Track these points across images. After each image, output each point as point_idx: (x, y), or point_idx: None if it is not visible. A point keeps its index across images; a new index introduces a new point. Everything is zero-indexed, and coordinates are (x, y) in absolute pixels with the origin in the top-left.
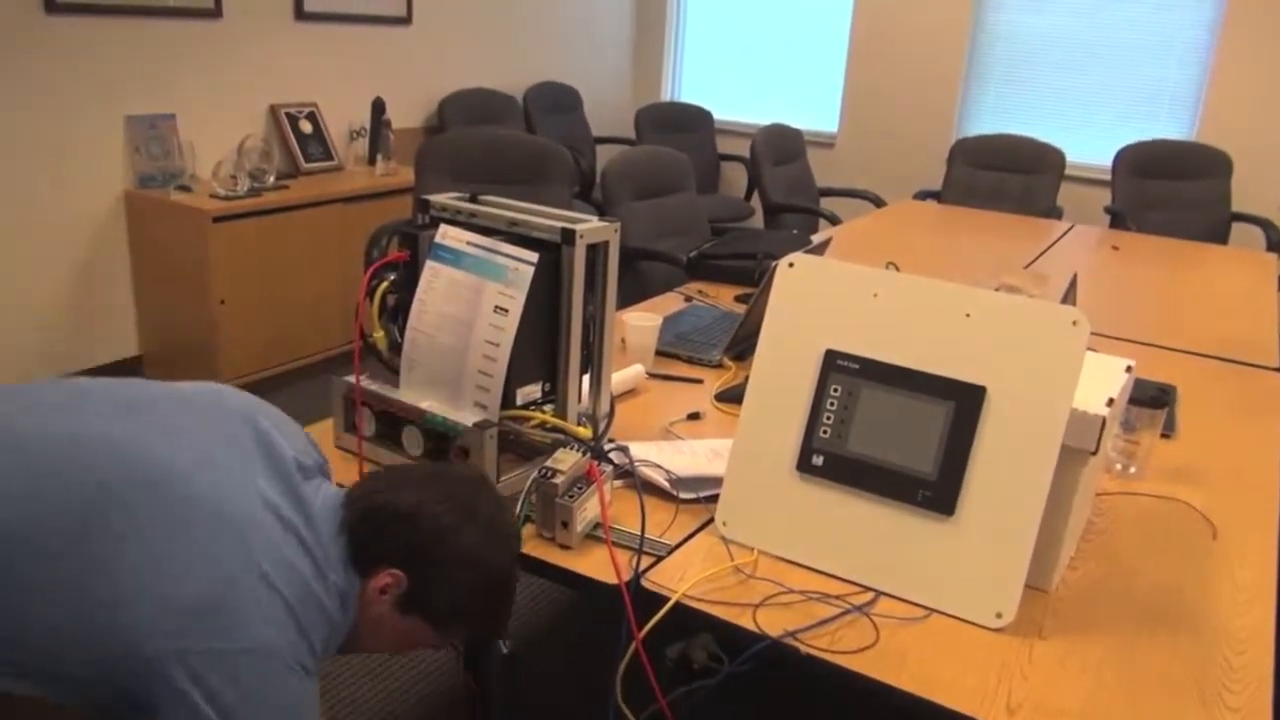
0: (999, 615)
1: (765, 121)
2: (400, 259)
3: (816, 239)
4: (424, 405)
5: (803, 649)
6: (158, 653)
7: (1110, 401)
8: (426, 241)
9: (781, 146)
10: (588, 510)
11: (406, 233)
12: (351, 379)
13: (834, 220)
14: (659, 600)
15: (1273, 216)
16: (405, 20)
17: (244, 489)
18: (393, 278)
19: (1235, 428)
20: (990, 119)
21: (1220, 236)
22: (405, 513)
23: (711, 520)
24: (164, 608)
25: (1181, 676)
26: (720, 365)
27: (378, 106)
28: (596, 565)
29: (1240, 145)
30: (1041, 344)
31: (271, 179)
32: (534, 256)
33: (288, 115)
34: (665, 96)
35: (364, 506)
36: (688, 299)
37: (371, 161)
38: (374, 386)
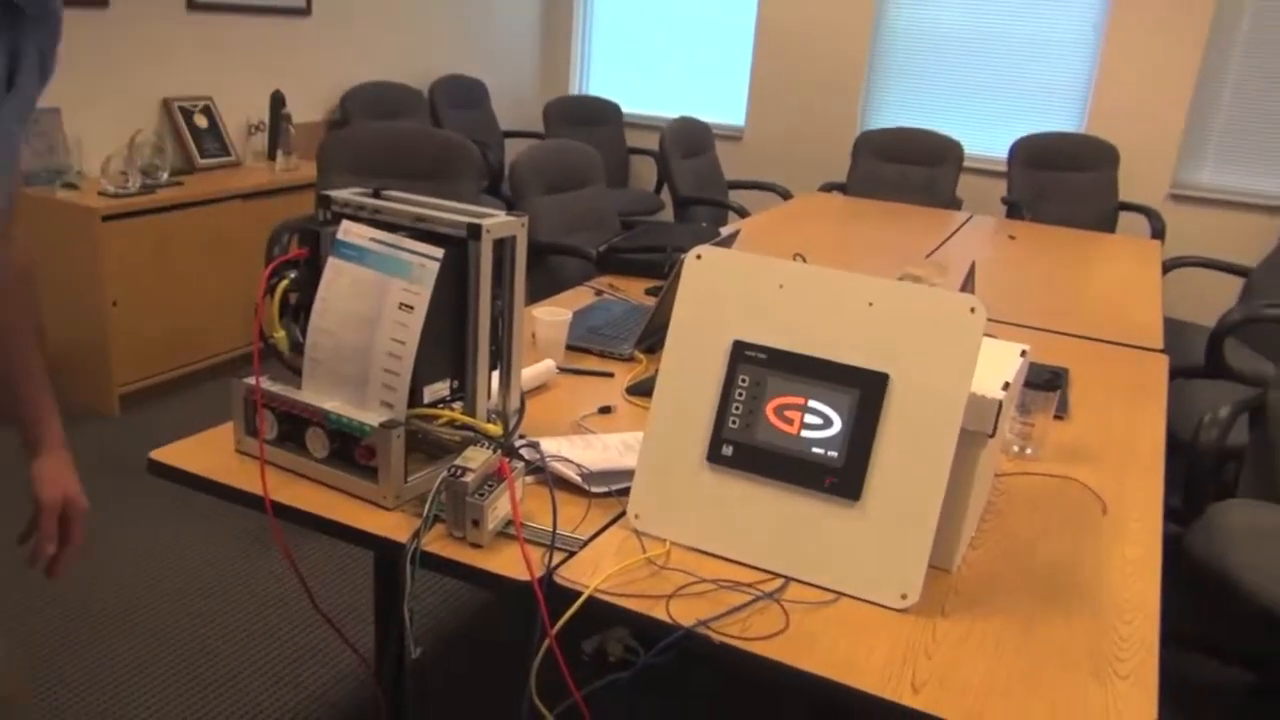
0: (904, 596)
1: (674, 115)
2: (301, 256)
3: (725, 231)
4: (328, 406)
5: (715, 637)
6: None
7: (1006, 385)
8: (328, 238)
9: (690, 140)
10: (499, 508)
11: (307, 229)
12: (252, 381)
13: (743, 213)
14: (572, 596)
15: (1156, 205)
16: (304, 11)
17: None
18: (293, 275)
19: (1123, 408)
20: (893, 112)
21: (1109, 225)
22: None
23: (624, 514)
24: None
25: (1076, 647)
26: (631, 358)
27: (277, 100)
28: (508, 563)
29: (1126, 137)
30: (941, 331)
31: (165, 175)
32: (439, 252)
33: (181, 109)
34: (573, 90)
35: None
36: (598, 293)
37: (271, 157)
38: (275, 388)
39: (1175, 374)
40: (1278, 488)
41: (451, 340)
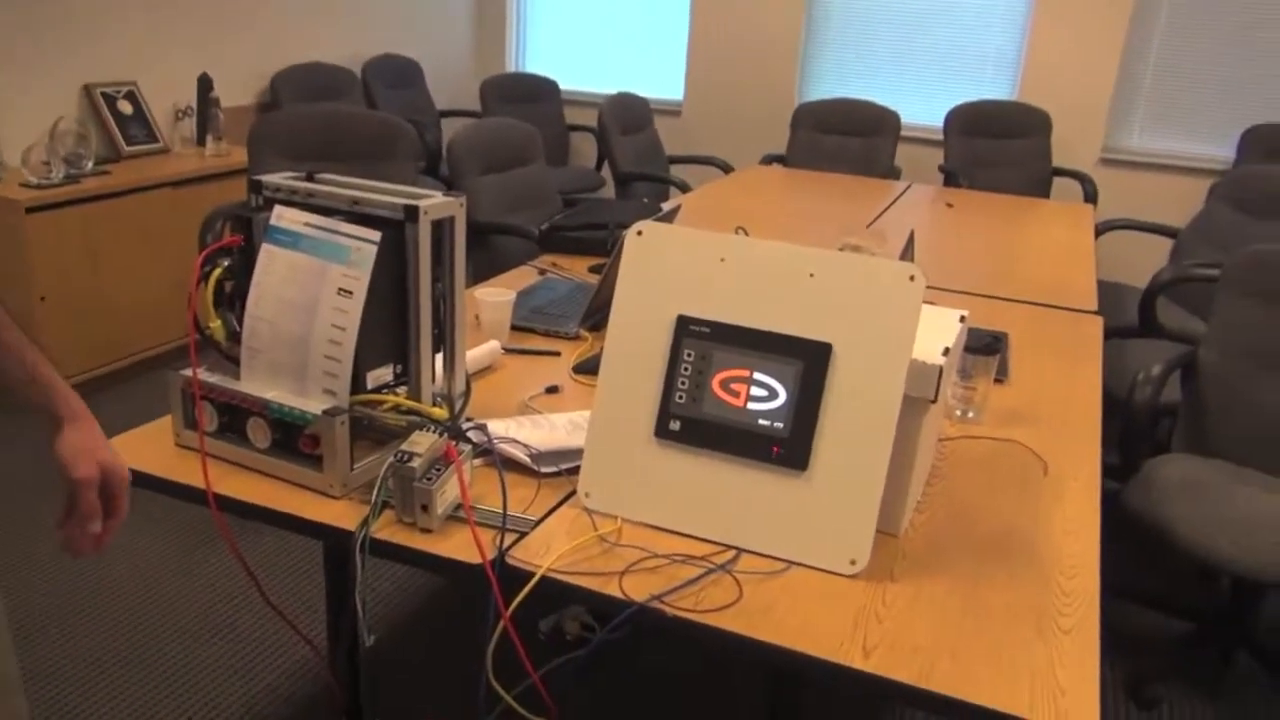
0: (853, 562)
1: (612, 91)
2: (234, 243)
3: (666, 206)
4: (269, 395)
5: (669, 611)
6: None
7: (946, 351)
8: (261, 224)
9: (629, 115)
10: (448, 492)
11: (239, 216)
12: (189, 372)
13: (684, 187)
14: (526, 576)
15: (1088, 170)
16: None
17: None
18: (227, 264)
19: (1061, 369)
20: (830, 83)
21: (1043, 190)
22: None
23: (574, 492)
24: None
25: (1020, 604)
26: (577, 337)
27: (204, 83)
28: (460, 547)
29: (1058, 104)
30: (881, 299)
31: (90, 164)
32: (376, 235)
33: (104, 95)
34: (510, 67)
35: None
36: (541, 272)
37: (200, 142)
38: (214, 379)
39: (1110, 334)
40: (1209, 442)
41: (393, 324)
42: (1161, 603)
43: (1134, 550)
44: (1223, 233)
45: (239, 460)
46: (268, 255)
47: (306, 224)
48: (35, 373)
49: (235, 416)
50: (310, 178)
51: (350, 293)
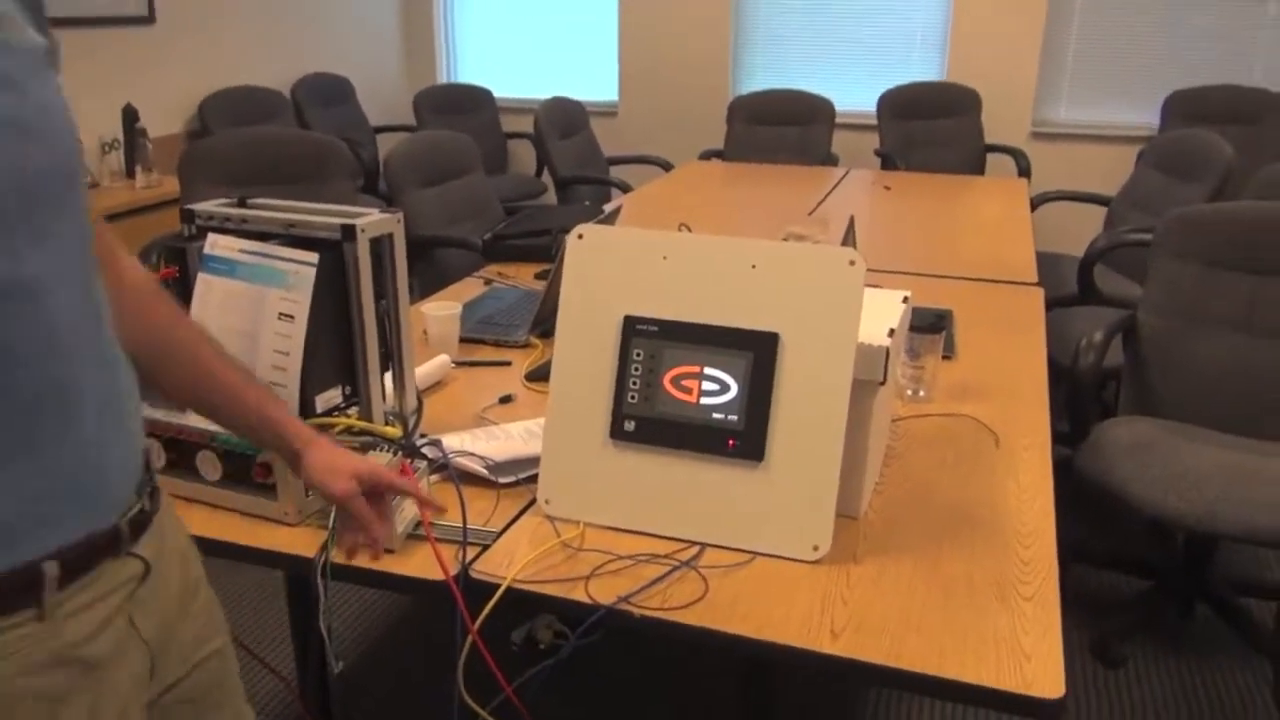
0: (815, 548)
1: (546, 96)
2: (170, 275)
3: (608, 208)
4: (215, 427)
5: (636, 612)
6: None
7: (892, 332)
8: (195, 254)
9: (565, 119)
10: (406, 510)
11: (172, 247)
12: None
13: (625, 188)
14: (491, 589)
15: (1020, 145)
16: (148, 19)
17: None
18: None
19: (1006, 342)
20: (762, 75)
21: (977, 168)
22: None
23: (534, 501)
24: None
25: (981, 576)
26: (527, 345)
27: (129, 114)
28: (422, 565)
29: (986, 81)
30: (824, 286)
31: None
32: (314, 257)
33: None
34: (442, 78)
35: None
36: (487, 282)
37: (130, 175)
38: (158, 414)
39: (1051, 304)
40: (1153, 402)
41: (339, 346)
42: (1119, 562)
43: (1090, 513)
44: (1151, 197)
45: (190, 495)
46: (204, 285)
47: (241, 250)
48: (262, 412)
49: (183, 451)
50: (243, 203)
51: (292, 317)
